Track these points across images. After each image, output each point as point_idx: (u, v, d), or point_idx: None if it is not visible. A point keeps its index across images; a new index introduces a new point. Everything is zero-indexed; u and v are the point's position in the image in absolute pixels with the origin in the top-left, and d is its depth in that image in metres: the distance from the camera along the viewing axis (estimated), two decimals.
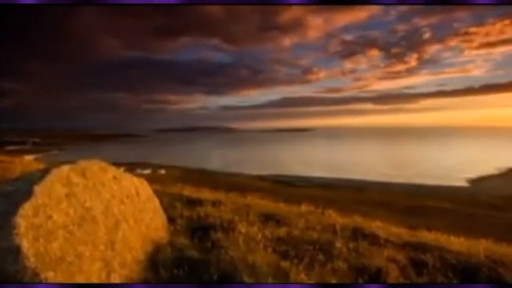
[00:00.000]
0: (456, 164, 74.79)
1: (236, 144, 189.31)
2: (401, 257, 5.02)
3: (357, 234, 6.09)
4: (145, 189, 4.54)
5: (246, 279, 3.51)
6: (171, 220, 5.00)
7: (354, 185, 49.37)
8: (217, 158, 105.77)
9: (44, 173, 3.04)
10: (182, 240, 4.31)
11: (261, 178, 56.25)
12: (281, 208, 7.92)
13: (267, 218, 6.31)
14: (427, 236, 6.66)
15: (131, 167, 54.06)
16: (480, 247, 5.55)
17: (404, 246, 5.57)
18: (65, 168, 3.21)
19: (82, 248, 2.70)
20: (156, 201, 4.75)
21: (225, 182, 40.61)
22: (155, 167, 61.37)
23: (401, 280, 4.26)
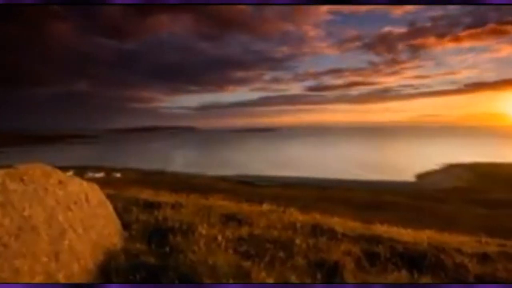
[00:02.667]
0: (408, 161, 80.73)
1: (198, 145, 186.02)
2: (356, 249, 5.26)
3: (316, 230, 6.28)
4: (96, 194, 4.25)
5: (206, 281, 3.44)
6: (126, 225, 4.74)
7: (316, 184, 51.07)
8: (179, 159, 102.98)
9: None
10: (138, 246, 4.10)
11: (224, 179, 55.86)
12: (243, 208, 7.92)
13: (229, 219, 6.26)
14: (379, 229, 7.08)
15: (81, 170, 50.63)
16: (424, 236, 6.02)
17: (359, 239, 5.86)
18: (0, 173, 2.88)
19: (19, 262, 2.44)
20: (109, 207, 4.47)
21: (186, 184, 39.69)
22: (109, 170, 58.02)
23: (356, 271, 4.46)
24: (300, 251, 4.90)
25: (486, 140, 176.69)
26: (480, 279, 4.59)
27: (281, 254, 4.57)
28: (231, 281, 3.50)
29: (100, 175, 50.85)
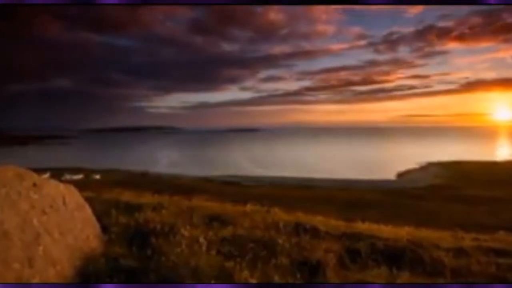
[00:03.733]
0: (390, 160, 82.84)
1: (183, 145, 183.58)
2: (338, 247, 5.36)
3: (299, 229, 6.34)
4: (74, 197, 4.12)
5: (187, 282, 3.42)
6: (105, 228, 4.62)
7: (300, 183, 51.53)
8: (162, 160, 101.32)
9: None
10: (118, 249, 4.01)
11: (208, 179, 55.42)
12: (227, 209, 7.90)
13: (212, 219, 6.22)
14: (361, 227, 7.24)
15: (58, 172, 48.79)
16: (403, 233, 6.20)
17: (341, 237, 5.97)
18: None
19: None
20: (87, 210, 4.35)
21: (169, 185, 39.12)
22: (89, 171, 56.16)
23: (338, 268, 4.54)
24: (283, 251, 4.93)
25: (467, 139, 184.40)
26: (455, 273, 4.77)
27: (264, 253, 4.59)
28: (213, 281, 3.49)
29: (79, 177, 49.13)
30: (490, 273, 4.95)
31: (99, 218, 4.80)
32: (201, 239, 4.54)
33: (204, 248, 4.37)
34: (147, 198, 7.58)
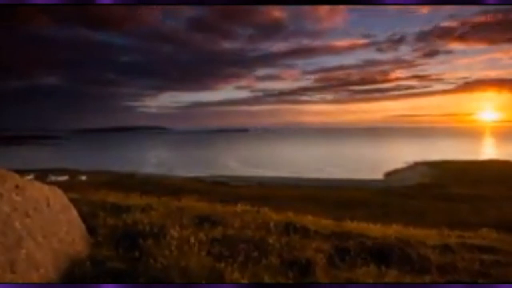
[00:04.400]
0: (379, 160, 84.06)
1: (171, 145, 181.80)
2: (327, 246, 5.39)
3: (289, 229, 6.36)
4: (59, 199, 4.01)
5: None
6: (92, 231, 4.52)
7: (290, 183, 51.75)
8: (151, 160, 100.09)
9: None
10: (105, 252, 3.92)
11: (198, 179, 55.03)
12: (217, 209, 7.86)
13: (202, 220, 6.17)
14: (350, 226, 7.31)
15: (42, 174, 47.49)
16: (391, 231, 6.29)
17: (330, 236, 6.01)
18: None
19: None
20: (73, 211, 4.24)
21: (158, 186, 38.65)
22: (74, 173, 54.73)
23: (327, 267, 4.56)
24: (273, 250, 4.93)
25: (457, 139, 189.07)
26: (441, 269, 4.86)
27: (255, 254, 4.58)
28: (203, 282, 3.46)
29: (64, 178, 47.77)
30: (474, 269, 5.07)
31: (85, 220, 4.69)
32: (191, 240, 4.49)
33: (194, 249, 4.32)
34: (135, 199, 7.46)
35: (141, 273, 3.49)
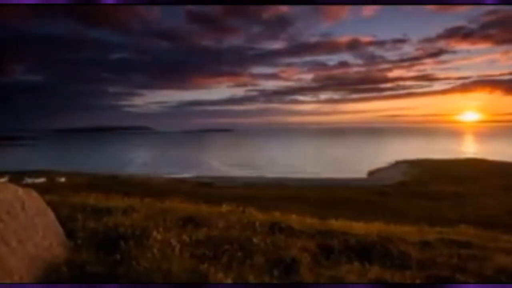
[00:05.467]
0: (363, 160, 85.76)
1: (155, 146, 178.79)
2: (312, 245, 5.44)
3: (274, 228, 6.38)
4: (35, 202, 3.85)
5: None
6: (70, 234, 4.37)
7: (276, 183, 51.95)
8: (134, 161, 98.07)
9: None
10: (84, 256, 3.80)
11: (181, 180, 54.37)
12: (202, 210, 7.78)
13: (186, 221, 6.09)
14: (334, 224, 7.41)
15: (17, 176, 45.48)
16: (374, 229, 6.42)
17: (315, 235, 6.07)
18: None
19: None
20: (50, 215, 4.08)
21: (141, 187, 37.89)
22: (53, 174, 52.52)
23: (312, 265, 4.60)
24: (258, 250, 4.93)
25: (436, 138, 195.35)
26: (421, 265, 5.00)
27: (240, 254, 4.56)
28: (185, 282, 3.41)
29: (41, 180, 45.69)
30: (452, 263, 5.25)
31: (64, 224, 4.53)
32: (174, 242, 4.42)
33: (177, 251, 4.26)
34: (117, 201, 7.28)
35: (121, 276, 3.41)
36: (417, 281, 4.22)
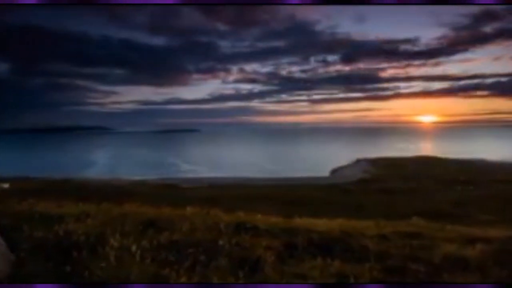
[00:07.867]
0: (327, 159, 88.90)
1: (116, 147, 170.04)
2: (277, 243, 5.50)
3: (240, 229, 6.35)
4: None
5: None
6: (14, 246, 3.97)
7: (241, 183, 51.95)
8: (91, 163, 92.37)
9: None
10: (31, 269, 3.47)
11: (143, 182, 52.29)
12: (165, 213, 7.52)
13: (147, 226, 5.84)
14: (298, 222, 7.56)
15: None
16: (336, 225, 6.66)
17: (280, 233, 6.14)
18: None
19: None
20: None
21: (99, 191, 35.76)
22: None
23: (276, 264, 4.63)
24: (223, 251, 4.86)
25: (398, 137, 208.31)
26: (378, 256, 5.26)
27: (203, 257, 4.46)
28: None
29: None
30: (405, 253, 5.61)
31: (6, 235, 4.10)
32: (133, 248, 4.20)
33: (137, 257, 4.06)
34: (70, 208, 6.77)
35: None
36: (374, 273, 4.44)
